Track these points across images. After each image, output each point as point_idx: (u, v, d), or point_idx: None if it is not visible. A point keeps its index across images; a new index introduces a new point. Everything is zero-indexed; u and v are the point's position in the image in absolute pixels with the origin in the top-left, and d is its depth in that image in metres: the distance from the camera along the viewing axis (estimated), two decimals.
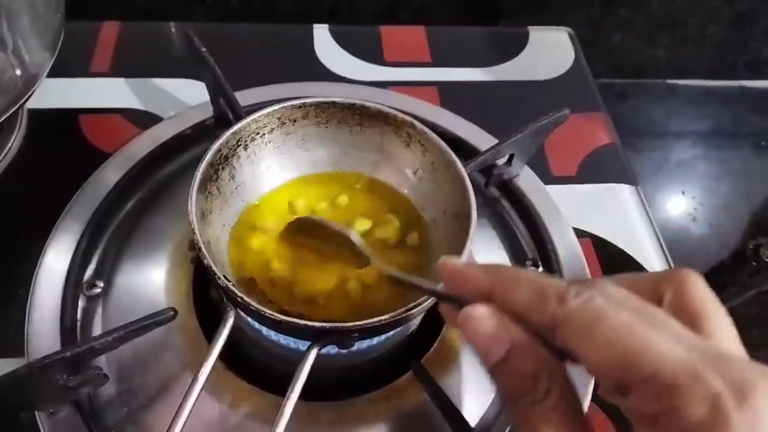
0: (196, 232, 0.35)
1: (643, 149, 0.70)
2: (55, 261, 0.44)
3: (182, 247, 0.45)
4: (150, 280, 0.44)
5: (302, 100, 0.42)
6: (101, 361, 0.39)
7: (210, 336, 0.41)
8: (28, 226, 0.47)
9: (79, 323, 0.42)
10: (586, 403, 0.41)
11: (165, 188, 0.49)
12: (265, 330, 0.40)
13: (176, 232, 0.46)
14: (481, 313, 0.24)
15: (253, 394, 0.39)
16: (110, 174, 0.48)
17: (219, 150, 0.39)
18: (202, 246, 0.34)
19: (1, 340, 0.42)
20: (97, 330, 0.42)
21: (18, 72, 0.42)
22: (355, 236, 0.37)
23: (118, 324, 0.37)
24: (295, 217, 0.40)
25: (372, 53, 0.63)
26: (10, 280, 0.44)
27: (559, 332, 0.23)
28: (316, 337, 0.34)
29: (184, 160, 0.51)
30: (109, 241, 0.46)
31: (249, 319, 0.38)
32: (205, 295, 0.44)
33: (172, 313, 0.36)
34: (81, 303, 0.43)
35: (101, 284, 0.44)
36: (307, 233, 0.39)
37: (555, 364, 0.24)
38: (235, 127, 0.40)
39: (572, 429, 0.23)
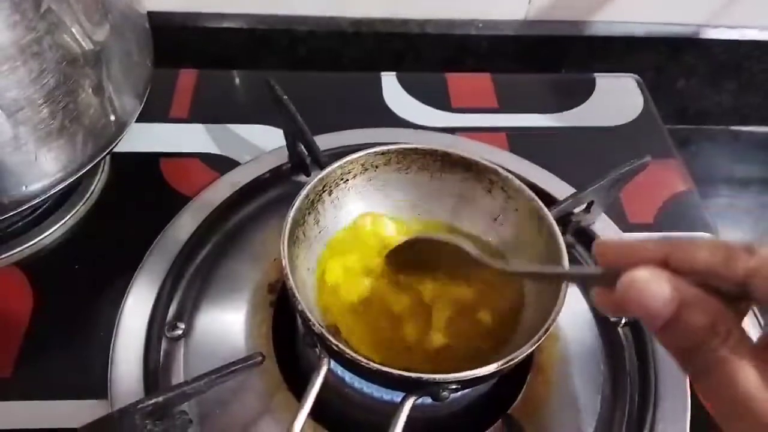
0: (290, 278, 0.35)
1: (707, 196, 0.69)
2: (138, 303, 0.45)
3: (261, 290, 0.45)
4: (230, 322, 0.44)
5: (385, 147, 0.43)
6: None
7: (289, 379, 0.41)
8: (110, 267, 0.48)
9: (160, 365, 0.42)
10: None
11: (243, 231, 0.50)
12: (348, 377, 0.39)
13: (255, 275, 0.46)
14: (644, 276, 0.24)
15: None
16: (191, 218, 0.49)
17: (307, 195, 0.40)
18: (296, 292, 0.34)
19: (85, 381, 0.42)
20: (178, 373, 0.42)
21: (112, 118, 0.44)
22: (470, 246, 0.37)
23: (199, 367, 0.37)
24: (404, 239, 0.41)
25: (439, 99, 0.63)
26: (94, 322, 0.45)
27: (757, 281, 0.23)
28: (412, 388, 0.33)
29: (261, 203, 0.52)
30: (189, 284, 0.47)
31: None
32: (285, 339, 0.43)
33: (260, 358, 0.36)
34: (163, 345, 0.43)
35: (182, 326, 0.44)
36: (414, 254, 0.40)
37: (729, 312, 0.23)
38: (322, 174, 0.41)
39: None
